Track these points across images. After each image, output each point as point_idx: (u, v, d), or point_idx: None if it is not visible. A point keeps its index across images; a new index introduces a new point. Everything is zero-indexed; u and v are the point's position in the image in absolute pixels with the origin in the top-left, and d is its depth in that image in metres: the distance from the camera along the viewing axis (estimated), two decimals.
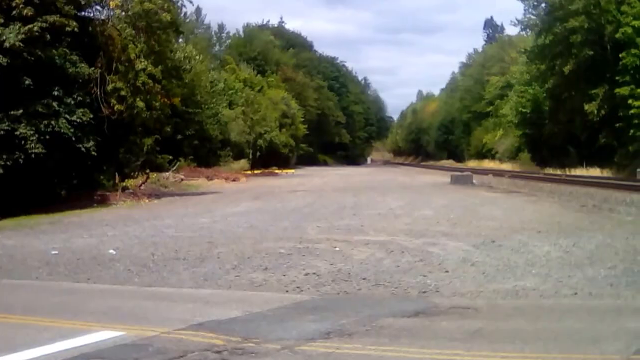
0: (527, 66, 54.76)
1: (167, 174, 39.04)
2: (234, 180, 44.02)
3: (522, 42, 61.60)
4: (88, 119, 22.59)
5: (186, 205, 24.14)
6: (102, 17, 26.27)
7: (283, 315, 7.01)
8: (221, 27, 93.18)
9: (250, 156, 64.66)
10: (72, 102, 22.23)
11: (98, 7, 26.15)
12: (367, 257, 10.76)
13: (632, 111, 37.00)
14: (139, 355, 5.48)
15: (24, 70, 20.76)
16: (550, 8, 45.64)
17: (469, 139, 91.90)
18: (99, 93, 24.18)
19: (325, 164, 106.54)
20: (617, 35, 39.39)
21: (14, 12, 20.95)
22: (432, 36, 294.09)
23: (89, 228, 16.34)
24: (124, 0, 25.88)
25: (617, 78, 39.03)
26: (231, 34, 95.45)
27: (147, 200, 26.34)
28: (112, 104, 24.63)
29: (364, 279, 8.99)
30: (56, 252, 12.15)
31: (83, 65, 23.15)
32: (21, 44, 20.31)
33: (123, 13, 26.39)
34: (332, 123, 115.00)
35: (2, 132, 20.32)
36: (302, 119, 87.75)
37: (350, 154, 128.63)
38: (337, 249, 11.76)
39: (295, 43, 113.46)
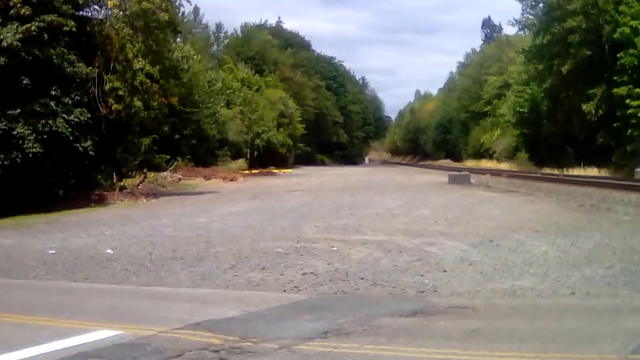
0: (525, 66, 54.77)
1: (164, 173, 39.04)
2: (231, 179, 44.02)
3: (520, 42, 61.55)
4: (86, 119, 22.59)
5: (184, 204, 24.13)
6: (100, 17, 26.31)
7: (281, 314, 7.01)
8: (219, 26, 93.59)
9: (248, 156, 64.63)
10: (70, 102, 22.23)
11: (96, 7, 26.23)
12: (365, 257, 10.75)
13: (629, 111, 37.04)
14: (137, 354, 5.47)
15: (21, 70, 20.75)
16: (548, 8, 45.65)
17: (466, 139, 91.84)
18: (96, 92, 24.17)
19: (323, 163, 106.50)
20: (615, 35, 39.42)
21: (12, 11, 20.94)
22: (431, 36, 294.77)
23: (87, 227, 16.33)
24: (122, 0, 25.86)
25: (614, 78, 39.05)
26: (229, 34, 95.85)
27: (144, 200, 26.32)
28: (109, 104, 24.62)
29: (361, 278, 8.99)
30: (54, 251, 12.14)
31: (81, 64, 23.15)
32: (19, 44, 20.31)
33: (121, 13, 26.39)
34: (330, 123, 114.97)
35: None
36: (300, 119, 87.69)
37: (348, 154, 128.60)
38: (334, 248, 11.75)
39: (293, 43, 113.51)
